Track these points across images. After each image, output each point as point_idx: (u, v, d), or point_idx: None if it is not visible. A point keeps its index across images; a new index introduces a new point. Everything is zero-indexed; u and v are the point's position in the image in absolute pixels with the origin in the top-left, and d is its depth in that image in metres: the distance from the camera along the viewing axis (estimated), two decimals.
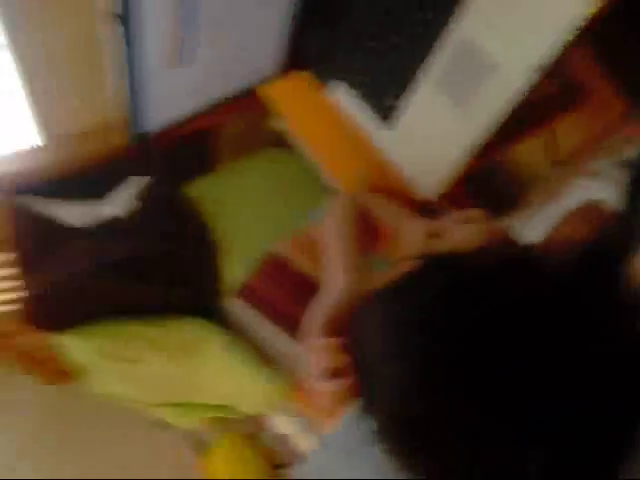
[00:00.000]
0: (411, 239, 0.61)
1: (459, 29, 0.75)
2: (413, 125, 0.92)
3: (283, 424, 1.36)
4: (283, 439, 1.40)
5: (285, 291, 1.18)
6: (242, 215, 1.38)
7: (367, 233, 0.87)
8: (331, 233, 0.84)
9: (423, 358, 0.41)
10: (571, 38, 0.65)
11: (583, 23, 0.64)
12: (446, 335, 0.41)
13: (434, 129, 0.88)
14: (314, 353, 0.60)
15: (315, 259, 1.04)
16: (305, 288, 1.12)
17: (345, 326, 0.58)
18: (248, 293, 1.18)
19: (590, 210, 0.67)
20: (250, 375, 1.19)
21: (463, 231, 0.57)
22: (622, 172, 0.65)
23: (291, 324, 1.14)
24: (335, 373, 0.55)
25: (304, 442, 1.33)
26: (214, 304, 1.24)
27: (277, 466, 1.51)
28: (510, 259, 0.47)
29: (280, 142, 1.44)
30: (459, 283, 0.45)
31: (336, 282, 0.73)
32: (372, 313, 0.51)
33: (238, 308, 1.21)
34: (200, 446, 1.63)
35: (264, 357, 1.19)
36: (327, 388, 0.57)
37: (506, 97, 0.74)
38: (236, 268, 1.24)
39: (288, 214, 1.39)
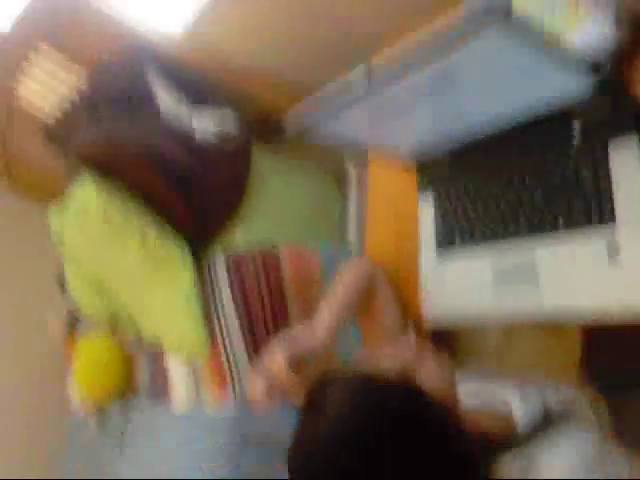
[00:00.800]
0: (399, 352, 0.74)
1: None
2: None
3: (175, 370, 1.41)
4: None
5: (260, 288, 1.33)
6: (274, 199, 1.52)
7: (363, 308, 1.04)
8: (339, 290, 1.00)
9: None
10: None
11: None
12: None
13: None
14: (268, 364, 0.81)
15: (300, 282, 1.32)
16: (277, 298, 1.33)
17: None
18: (232, 263, 1.35)
19: (506, 419, 0.80)
20: (188, 322, 1.31)
21: (441, 376, 0.72)
22: (541, 406, 0.80)
23: (249, 317, 1.32)
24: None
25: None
26: (206, 247, 1.41)
27: None
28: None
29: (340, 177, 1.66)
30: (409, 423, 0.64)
31: (316, 334, 0.89)
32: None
33: (219, 269, 1.36)
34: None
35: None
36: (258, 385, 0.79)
37: None
38: (238, 236, 1.43)
39: (309, 230, 1.56)
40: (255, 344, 1.31)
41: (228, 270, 1.34)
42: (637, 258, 0.77)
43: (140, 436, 1.50)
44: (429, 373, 0.72)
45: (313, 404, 0.69)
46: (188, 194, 1.38)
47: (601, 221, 0.81)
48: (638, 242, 0.77)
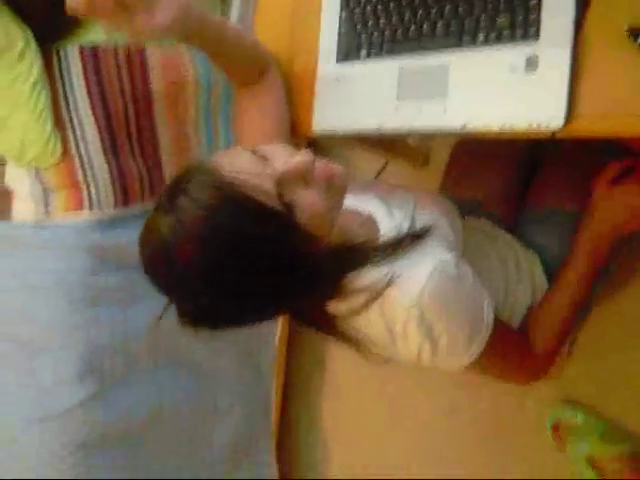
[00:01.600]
0: (283, 161, 0.66)
1: None
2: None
3: (17, 179, 1.21)
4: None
5: (121, 83, 1.14)
6: None
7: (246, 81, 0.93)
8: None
9: None
10: None
11: None
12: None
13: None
14: None
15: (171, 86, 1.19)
16: (141, 98, 1.14)
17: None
18: (88, 53, 1.12)
19: (371, 231, 0.80)
20: (32, 119, 1.11)
21: (324, 204, 0.67)
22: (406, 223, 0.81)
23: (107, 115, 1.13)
24: None
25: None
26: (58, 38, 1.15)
27: None
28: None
29: None
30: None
31: None
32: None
33: (72, 60, 1.14)
34: None
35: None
36: None
37: None
38: (99, 30, 1.14)
39: None
40: (114, 146, 1.14)
41: (82, 61, 1.12)
42: (552, 75, 0.74)
43: None
44: (312, 198, 0.66)
45: (169, 197, 0.63)
46: None
47: (524, 37, 0.77)
48: (557, 61, 0.74)
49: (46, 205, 1.18)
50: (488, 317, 0.76)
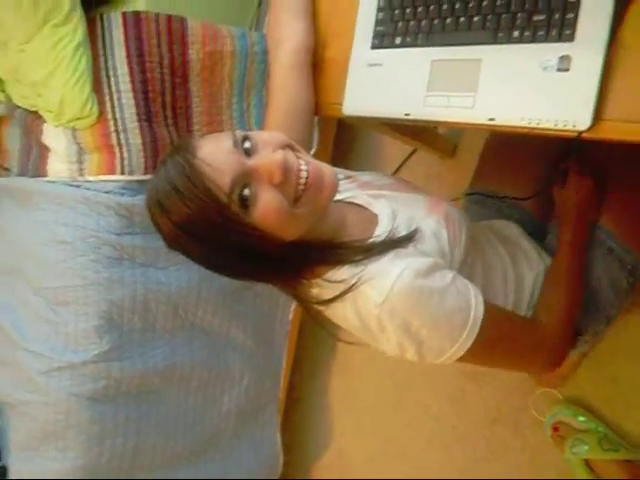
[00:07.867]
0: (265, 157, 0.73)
1: None
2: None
3: (54, 137, 1.24)
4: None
5: (160, 52, 1.18)
6: None
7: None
8: None
9: None
10: None
11: None
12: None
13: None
14: None
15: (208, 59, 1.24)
16: (178, 69, 1.19)
17: None
18: (131, 20, 1.16)
19: (371, 222, 0.83)
20: (72, 80, 1.14)
21: (279, 205, 0.72)
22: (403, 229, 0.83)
23: (144, 83, 1.17)
24: None
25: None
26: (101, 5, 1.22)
27: None
28: None
29: None
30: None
31: None
32: None
33: (115, 26, 1.18)
34: None
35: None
36: None
37: None
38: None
39: (223, 12, 1.39)
40: (148, 113, 1.17)
41: (125, 27, 1.14)
42: (584, 76, 0.75)
43: (9, 211, 1.36)
44: (269, 198, 0.70)
45: (160, 163, 0.75)
46: None
47: (560, 38, 0.78)
48: (590, 63, 0.75)
49: (80, 165, 1.21)
50: (477, 310, 0.76)
